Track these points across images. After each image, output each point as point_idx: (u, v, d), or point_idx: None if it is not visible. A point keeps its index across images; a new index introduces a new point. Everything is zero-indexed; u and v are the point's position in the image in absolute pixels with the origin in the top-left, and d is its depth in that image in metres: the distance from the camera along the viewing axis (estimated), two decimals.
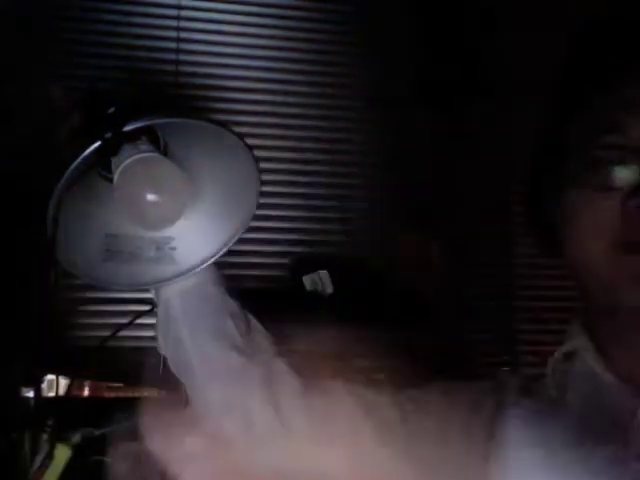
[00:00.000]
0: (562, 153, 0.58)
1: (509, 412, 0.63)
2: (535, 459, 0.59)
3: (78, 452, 0.87)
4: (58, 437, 0.86)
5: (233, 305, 0.71)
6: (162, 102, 1.25)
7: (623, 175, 0.53)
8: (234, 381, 0.68)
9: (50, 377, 1.06)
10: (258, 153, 0.62)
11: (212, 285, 0.69)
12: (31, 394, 1.03)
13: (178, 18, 1.32)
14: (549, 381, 0.61)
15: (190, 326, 0.68)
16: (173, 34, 1.32)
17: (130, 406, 0.99)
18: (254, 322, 0.73)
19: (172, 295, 0.68)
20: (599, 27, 0.58)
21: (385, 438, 0.67)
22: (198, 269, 0.67)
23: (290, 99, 1.36)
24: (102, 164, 0.59)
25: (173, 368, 0.71)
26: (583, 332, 0.61)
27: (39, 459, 0.84)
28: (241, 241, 0.69)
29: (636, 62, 0.54)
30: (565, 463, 0.56)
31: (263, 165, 0.62)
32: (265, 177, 0.63)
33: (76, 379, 1.06)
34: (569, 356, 0.62)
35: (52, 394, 1.05)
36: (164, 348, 0.71)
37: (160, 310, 0.70)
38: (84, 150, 0.53)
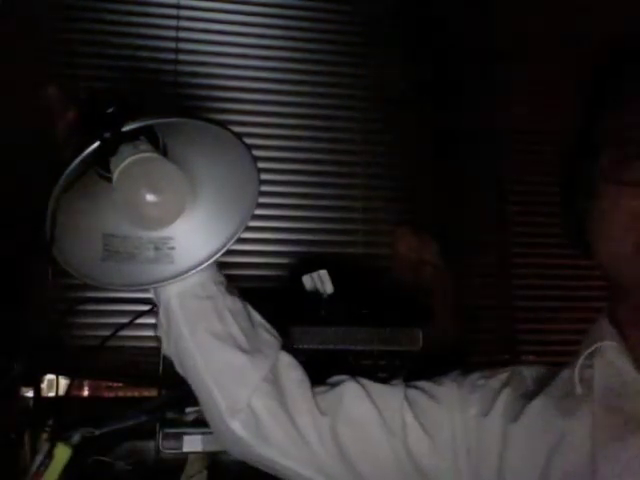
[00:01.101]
0: (594, 151, 0.58)
1: (527, 402, 0.63)
2: (553, 447, 0.58)
3: (78, 452, 0.86)
4: (58, 437, 0.86)
5: (235, 303, 0.70)
6: (162, 102, 1.25)
7: None
8: (239, 380, 0.68)
9: (50, 377, 1.06)
10: (257, 153, 0.62)
11: (212, 284, 0.69)
12: (31, 394, 1.03)
13: (178, 18, 1.32)
14: (575, 375, 0.61)
15: (191, 326, 0.68)
16: (173, 34, 1.32)
17: (130, 406, 1.00)
18: (257, 318, 0.73)
19: (172, 295, 0.68)
20: (631, 26, 0.58)
21: (392, 424, 0.67)
22: (197, 269, 0.67)
23: (290, 99, 1.36)
24: (101, 164, 0.59)
25: (178, 368, 0.71)
26: (611, 328, 0.61)
27: (39, 459, 0.84)
28: (240, 241, 0.69)
29: None
30: (585, 455, 0.56)
31: (262, 165, 0.62)
32: (264, 177, 0.63)
33: (76, 379, 1.06)
34: (595, 352, 0.62)
35: (52, 394, 1.05)
36: (167, 349, 0.71)
37: (161, 311, 0.70)
38: (83, 150, 0.53)
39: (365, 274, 1.29)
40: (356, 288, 1.09)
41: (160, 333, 0.71)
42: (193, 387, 0.71)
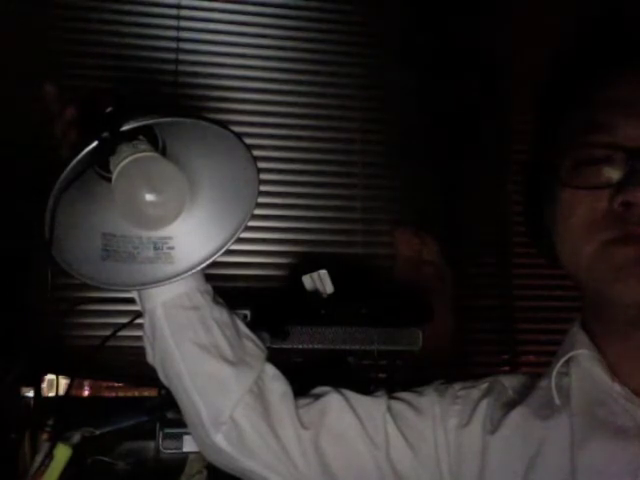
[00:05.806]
0: (555, 153, 0.58)
1: (506, 412, 0.63)
2: (532, 457, 0.59)
3: (78, 452, 0.87)
4: (58, 437, 0.86)
5: (222, 313, 0.70)
6: (162, 102, 1.25)
7: (610, 174, 0.53)
8: (223, 391, 0.68)
9: (50, 377, 1.06)
10: (257, 153, 0.62)
11: (198, 294, 0.69)
12: (31, 394, 1.03)
13: (178, 18, 1.32)
14: (551, 385, 0.61)
15: (177, 337, 0.67)
16: (173, 34, 1.32)
17: (130, 406, 1.00)
18: (243, 328, 0.72)
19: (157, 305, 0.67)
20: (591, 27, 0.58)
21: (375, 436, 0.67)
22: (196, 269, 0.67)
23: (290, 99, 1.36)
24: (100, 163, 0.59)
25: (162, 378, 0.71)
26: (584, 336, 0.61)
27: (39, 459, 0.84)
28: (240, 241, 0.69)
29: (625, 62, 0.55)
30: (565, 464, 0.56)
31: (262, 165, 0.62)
32: (264, 177, 0.63)
33: (76, 379, 1.06)
34: (570, 361, 0.62)
35: (52, 394, 1.05)
36: (151, 358, 0.70)
37: (146, 320, 0.69)
38: (81, 150, 0.53)
39: (365, 274, 1.29)
40: (356, 288, 1.09)
41: (144, 342, 0.70)
42: (176, 397, 0.70)
